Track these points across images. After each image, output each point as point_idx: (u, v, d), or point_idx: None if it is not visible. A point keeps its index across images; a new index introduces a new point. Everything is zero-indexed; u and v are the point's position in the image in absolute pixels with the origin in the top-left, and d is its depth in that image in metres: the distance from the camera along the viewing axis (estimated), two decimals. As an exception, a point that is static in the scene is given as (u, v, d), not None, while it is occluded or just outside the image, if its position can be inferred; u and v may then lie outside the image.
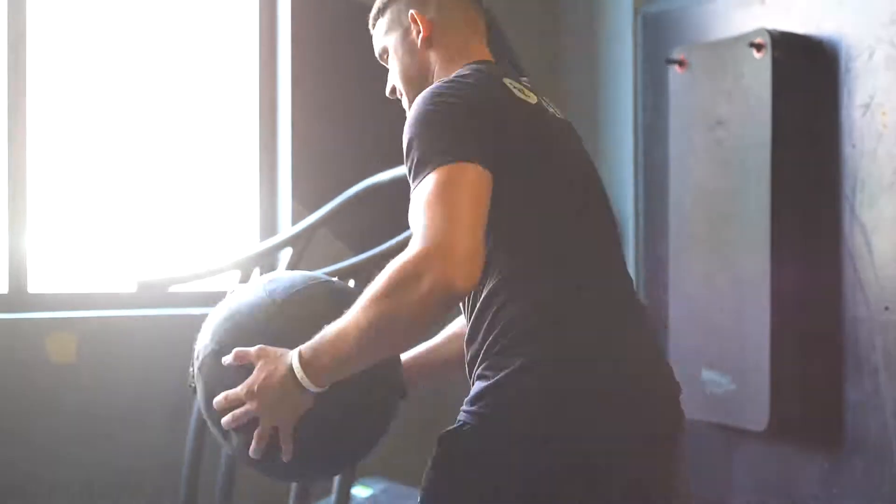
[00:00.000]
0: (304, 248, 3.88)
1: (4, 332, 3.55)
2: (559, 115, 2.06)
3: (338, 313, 1.78)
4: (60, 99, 3.83)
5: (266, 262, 3.94)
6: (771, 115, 3.48)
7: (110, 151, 3.94)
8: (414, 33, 2.09)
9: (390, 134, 4.22)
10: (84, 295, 3.82)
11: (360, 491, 3.90)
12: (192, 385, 1.97)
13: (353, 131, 4.26)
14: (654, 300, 4.12)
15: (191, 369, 1.98)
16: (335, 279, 2.19)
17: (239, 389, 1.83)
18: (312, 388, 1.78)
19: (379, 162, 4.06)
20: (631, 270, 4.16)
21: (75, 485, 3.64)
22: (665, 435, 1.91)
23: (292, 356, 1.79)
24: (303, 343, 1.79)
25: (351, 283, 3.32)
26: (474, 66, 2.01)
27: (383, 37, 2.15)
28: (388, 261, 1.76)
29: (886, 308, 3.34)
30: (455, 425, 1.84)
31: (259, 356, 1.83)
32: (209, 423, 1.94)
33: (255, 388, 1.81)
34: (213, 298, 3.78)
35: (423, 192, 1.73)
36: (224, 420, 1.85)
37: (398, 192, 3.93)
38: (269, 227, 4.24)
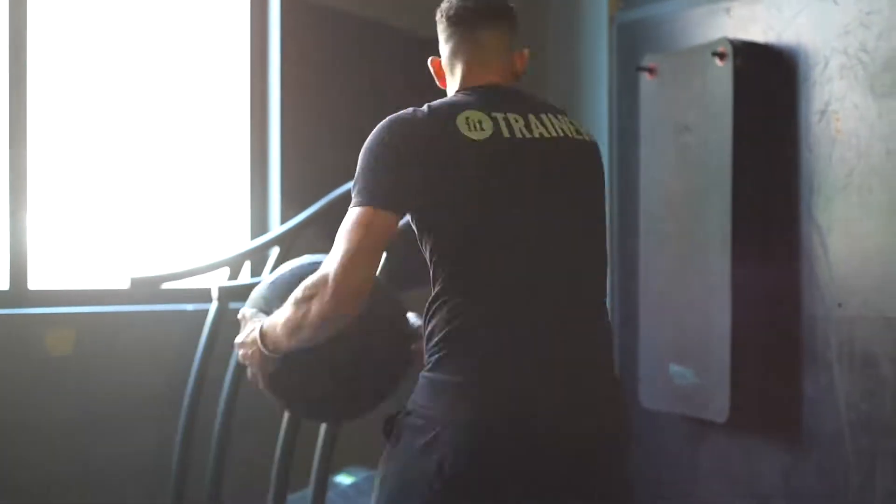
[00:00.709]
0: (290, 247, 4.06)
1: (5, 326, 3.73)
2: (554, 135, 2.17)
3: None
4: (60, 98, 4.00)
5: (255, 259, 4.13)
6: (732, 121, 3.65)
7: (107, 151, 4.12)
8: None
9: (365, 138, 4.44)
10: (81, 291, 3.99)
11: (342, 479, 4.08)
12: None
13: (339, 135, 4.44)
14: (627, 297, 4.30)
15: None
16: None
17: (236, 339, 2.37)
18: (268, 353, 2.25)
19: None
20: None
21: (72, 475, 3.82)
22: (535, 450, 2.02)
23: (258, 326, 2.26)
24: None
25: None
26: (454, 97, 2.23)
27: None
28: None
29: (840, 305, 3.51)
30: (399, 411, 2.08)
31: (246, 318, 2.37)
32: None
33: (240, 341, 2.35)
34: (204, 295, 3.97)
35: (344, 222, 2.14)
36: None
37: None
38: (260, 225, 4.42)
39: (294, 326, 2.13)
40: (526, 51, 2.32)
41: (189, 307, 4.12)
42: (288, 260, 3.99)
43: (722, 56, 3.68)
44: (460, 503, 1.99)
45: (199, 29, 4.34)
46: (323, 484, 3.47)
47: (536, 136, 2.14)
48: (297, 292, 2.12)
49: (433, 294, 2.11)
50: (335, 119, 4.44)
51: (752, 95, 3.69)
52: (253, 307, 2.45)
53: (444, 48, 2.34)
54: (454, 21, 2.29)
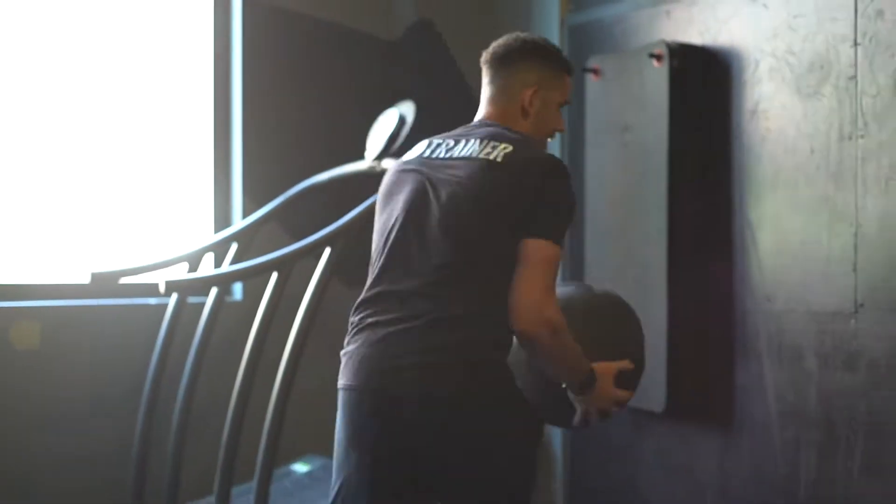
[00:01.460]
0: (250, 243, 4.20)
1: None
2: (465, 155, 2.44)
3: None
4: (25, 96, 4.14)
5: (217, 253, 4.27)
6: (668, 120, 3.77)
7: (73, 149, 4.26)
8: None
9: (331, 137, 4.58)
10: (44, 286, 4.14)
11: (299, 467, 4.22)
12: None
13: (300, 134, 4.58)
14: (574, 292, 4.42)
15: None
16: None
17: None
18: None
19: (320, 163, 4.39)
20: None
21: (38, 463, 3.97)
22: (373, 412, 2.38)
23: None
24: None
25: (274, 275, 3.65)
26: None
27: None
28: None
29: (769, 299, 3.63)
30: None
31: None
32: None
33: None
34: (168, 289, 4.07)
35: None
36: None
37: (335, 191, 4.29)
38: (223, 220, 4.55)
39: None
40: (529, 90, 2.51)
41: (152, 301, 4.26)
42: (246, 254, 4.15)
43: (659, 58, 3.80)
44: (349, 452, 2.40)
45: (165, 29, 4.47)
46: (268, 473, 3.60)
47: (448, 156, 2.46)
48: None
49: None
50: (296, 119, 4.58)
51: (688, 95, 3.80)
52: None
53: None
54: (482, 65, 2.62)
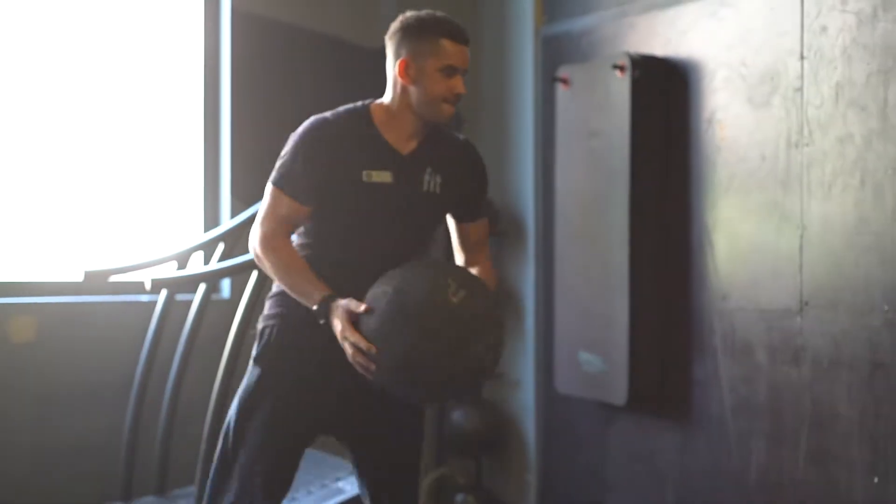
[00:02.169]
0: (237, 242, 4.40)
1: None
2: None
3: None
4: (21, 97, 4.35)
5: (206, 252, 4.47)
6: (630, 128, 3.98)
7: (69, 151, 4.47)
8: None
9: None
10: (40, 283, 4.34)
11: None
12: None
13: (285, 138, 4.77)
14: (545, 290, 4.63)
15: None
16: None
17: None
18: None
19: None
20: (530, 263, 4.71)
21: (33, 450, 4.18)
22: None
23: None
24: None
25: (255, 273, 3.85)
26: None
27: None
28: None
29: (723, 298, 3.83)
30: None
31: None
32: None
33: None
34: (159, 287, 4.27)
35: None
36: None
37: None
38: (212, 221, 4.76)
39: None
40: (401, 62, 2.65)
41: (143, 298, 4.46)
42: (233, 253, 4.34)
43: (622, 68, 4.01)
44: None
45: (157, 36, 4.68)
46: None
47: None
48: None
49: None
50: (282, 123, 4.74)
51: (649, 104, 4.01)
52: None
53: None
54: None
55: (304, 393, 2.67)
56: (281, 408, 2.66)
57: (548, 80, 4.56)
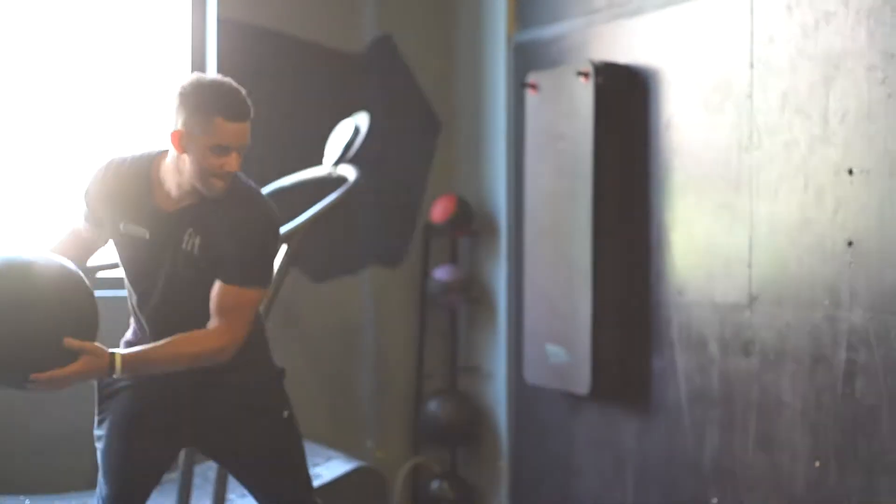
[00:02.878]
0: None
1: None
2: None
3: None
4: (12, 97, 4.55)
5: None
6: (593, 131, 4.19)
7: (62, 151, 4.68)
8: None
9: (296, 146, 4.99)
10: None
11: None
12: None
13: (266, 142, 4.98)
14: (516, 285, 4.85)
15: None
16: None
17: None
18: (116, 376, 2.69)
19: (287, 167, 4.79)
20: (503, 261, 4.90)
21: (22, 437, 4.39)
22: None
23: (115, 361, 2.64)
24: None
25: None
26: None
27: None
28: None
29: (679, 292, 4.05)
30: None
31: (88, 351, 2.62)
32: None
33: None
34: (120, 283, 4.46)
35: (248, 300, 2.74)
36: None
37: (299, 194, 4.69)
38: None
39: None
40: (176, 132, 2.67)
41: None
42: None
43: (585, 75, 4.22)
44: None
45: (146, 40, 4.89)
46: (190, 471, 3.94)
47: None
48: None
49: None
50: (264, 126, 4.94)
51: (611, 109, 4.22)
52: None
53: None
54: None
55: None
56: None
57: (519, 86, 4.77)
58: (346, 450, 4.78)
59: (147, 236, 2.76)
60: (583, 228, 4.24)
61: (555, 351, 4.41)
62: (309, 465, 3.24)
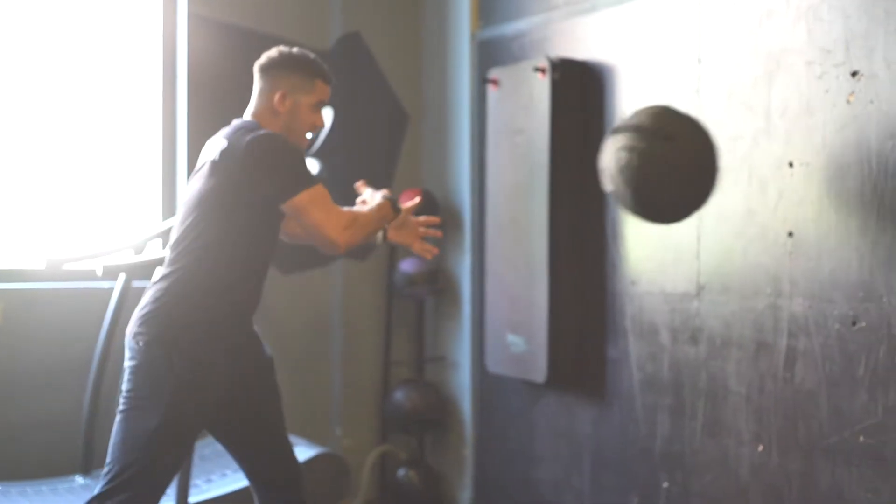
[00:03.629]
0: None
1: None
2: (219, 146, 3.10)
3: None
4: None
5: (164, 240, 4.76)
6: (549, 126, 4.30)
7: (35, 143, 4.77)
8: None
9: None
10: (6, 271, 4.65)
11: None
12: None
13: (237, 135, 5.09)
14: (479, 276, 4.96)
15: None
16: None
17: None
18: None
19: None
20: (467, 253, 5.01)
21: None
22: None
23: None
24: None
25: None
26: None
27: None
28: None
29: (632, 283, 4.16)
30: None
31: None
32: None
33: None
34: (112, 273, 4.58)
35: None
36: None
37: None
38: (170, 210, 5.07)
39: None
40: (278, 94, 3.13)
41: (104, 285, 4.77)
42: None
43: (542, 71, 4.32)
44: None
45: (118, 35, 4.98)
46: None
47: (201, 164, 3.14)
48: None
49: None
50: (235, 116, 5.08)
51: (567, 104, 4.33)
52: None
53: None
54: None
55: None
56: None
57: (482, 82, 4.87)
58: (315, 438, 4.89)
59: None
60: (540, 221, 4.34)
61: (514, 340, 4.51)
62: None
